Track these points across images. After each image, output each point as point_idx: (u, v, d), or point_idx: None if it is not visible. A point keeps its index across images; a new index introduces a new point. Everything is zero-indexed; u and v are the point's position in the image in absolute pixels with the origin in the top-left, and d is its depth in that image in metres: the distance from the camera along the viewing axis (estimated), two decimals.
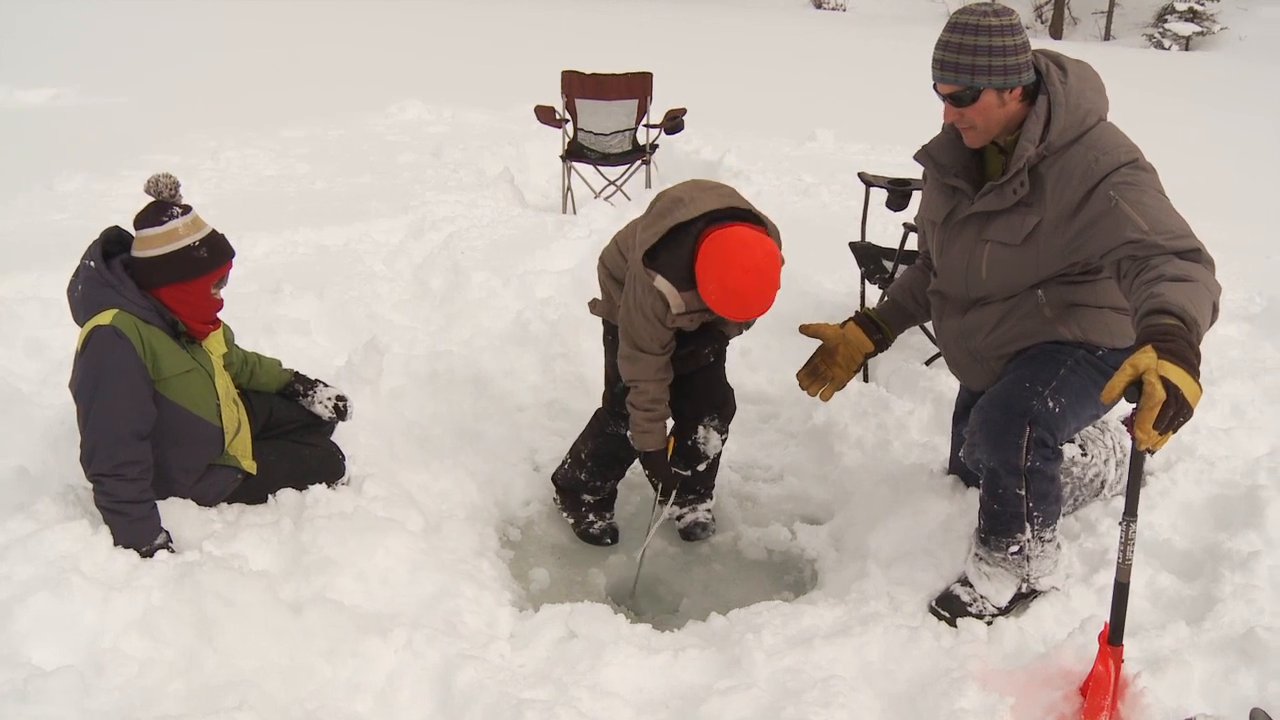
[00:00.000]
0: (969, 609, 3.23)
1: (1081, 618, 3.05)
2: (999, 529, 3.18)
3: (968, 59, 2.99)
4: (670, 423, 3.88)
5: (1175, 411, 2.38)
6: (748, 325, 3.86)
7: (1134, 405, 2.46)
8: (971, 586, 3.26)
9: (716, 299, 3.32)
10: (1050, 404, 3.06)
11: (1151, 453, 2.51)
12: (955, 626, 3.18)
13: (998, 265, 3.21)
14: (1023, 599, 3.26)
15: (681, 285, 3.43)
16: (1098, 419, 3.43)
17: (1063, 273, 3.15)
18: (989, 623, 3.18)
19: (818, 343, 3.73)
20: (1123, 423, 3.76)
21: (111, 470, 3.07)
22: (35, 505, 3.23)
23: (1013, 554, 3.19)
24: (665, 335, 3.57)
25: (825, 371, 3.71)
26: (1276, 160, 10.98)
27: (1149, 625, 3.08)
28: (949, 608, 3.25)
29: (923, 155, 3.39)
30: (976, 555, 3.26)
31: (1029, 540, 3.17)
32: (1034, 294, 3.20)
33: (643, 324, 3.53)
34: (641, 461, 3.86)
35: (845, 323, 3.72)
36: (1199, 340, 2.52)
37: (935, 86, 3.09)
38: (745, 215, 3.44)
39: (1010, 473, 3.07)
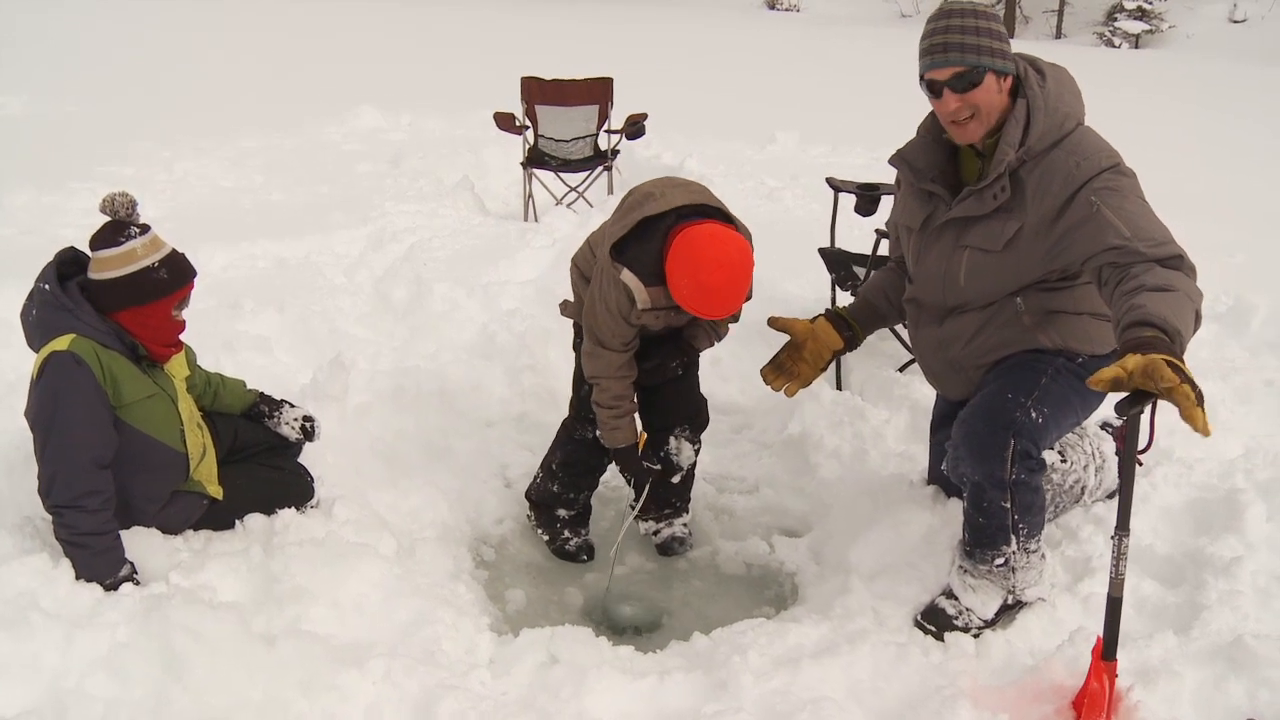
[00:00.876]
0: (955, 622, 3.19)
1: (1069, 628, 3.03)
2: (984, 542, 3.14)
3: (972, 39, 2.94)
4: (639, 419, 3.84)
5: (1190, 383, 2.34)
6: (718, 337, 3.81)
7: (1121, 418, 2.43)
8: (957, 599, 3.22)
9: (688, 294, 3.25)
10: (1033, 414, 3.02)
11: (1133, 453, 2.45)
12: (942, 641, 3.14)
13: (977, 272, 3.17)
14: (1008, 610, 3.23)
15: (648, 280, 3.37)
16: (1079, 426, 3.41)
17: (1041, 279, 3.12)
18: (975, 636, 3.15)
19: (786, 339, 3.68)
20: (1103, 429, 3.74)
21: (71, 501, 2.96)
22: None
23: (998, 566, 3.15)
24: (628, 332, 3.50)
25: (791, 368, 3.64)
26: (1235, 158, 11.09)
27: (1137, 635, 3.06)
28: (935, 621, 3.20)
29: (897, 160, 3.34)
30: (961, 568, 3.22)
31: (1014, 552, 3.14)
32: (1012, 301, 3.17)
33: (606, 319, 3.46)
34: (614, 459, 3.79)
35: (815, 318, 3.66)
36: (1182, 350, 2.49)
37: (924, 77, 3.02)
38: (716, 213, 3.39)
39: (995, 486, 3.04)
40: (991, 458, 3.02)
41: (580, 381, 3.84)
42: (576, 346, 3.82)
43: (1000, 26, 2.99)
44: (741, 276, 3.25)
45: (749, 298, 3.56)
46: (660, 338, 3.72)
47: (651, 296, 3.39)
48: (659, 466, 3.83)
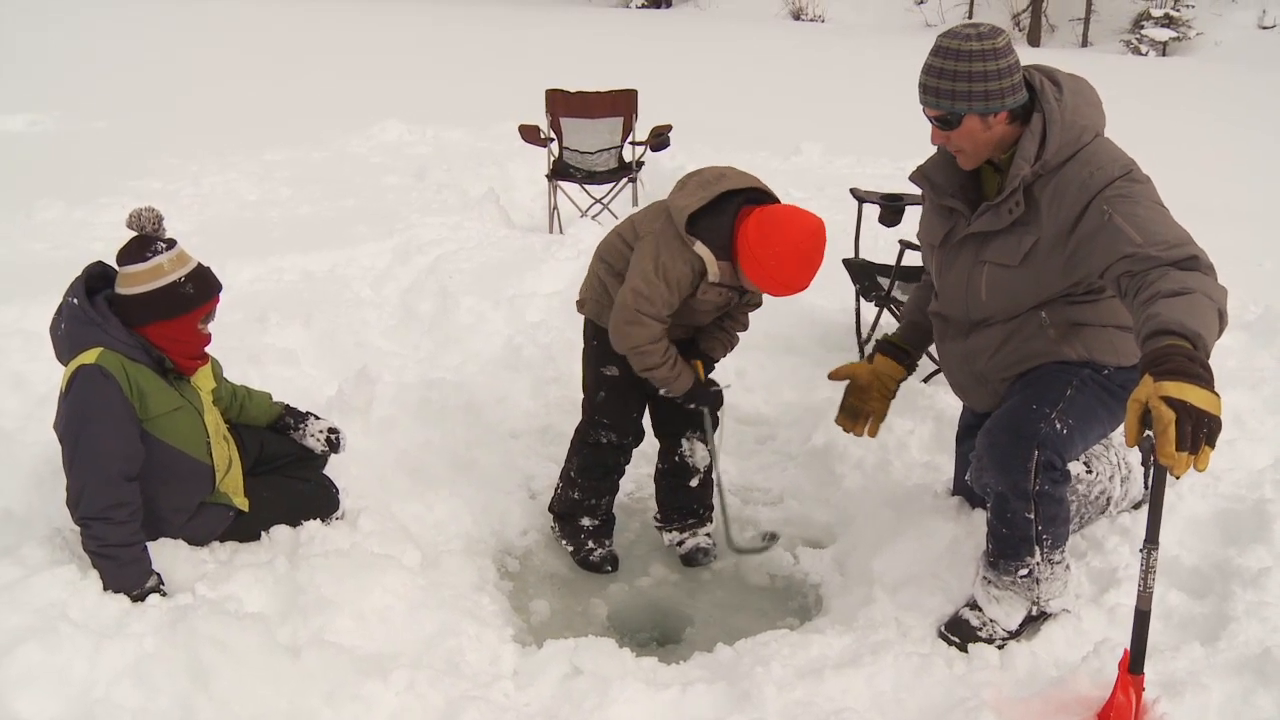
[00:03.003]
0: (979, 633, 3.17)
1: (1094, 640, 3.00)
2: (1008, 552, 3.13)
3: (948, 84, 2.97)
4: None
5: (1193, 425, 2.31)
6: (732, 345, 3.88)
7: (1150, 431, 2.40)
8: (981, 610, 3.21)
9: (779, 261, 3.37)
10: (1058, 426, 3.01)
11: (1187, 472, 2.39)
12: (966, 652, 3.12)
13: (997, 286, 3.17)
14: (1033, 621, 3.21)
15: (719, 254, 3.46)
16: (1105, 438, 3.39)
17: (1066, 292, 3.11)
18: (1000, 647, 3.13)
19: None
20: (1140, 448, 3.70)
21: (100, 513, 2.99)
22: (21, 549, 3.15)
23: (1022, 577, 3.13)
24: (675, 305, 3.54)
25: (863, 407, 3.70)
26: (1262, 165, 11.00)
27: (1163, 646, 3.03)
28: (959, 633, 3.19)
29: (918, 176, 3.36)
30: (985, 578, 3.21)
31: (1038, 563, 3.12)
32: (1037, 314, 3.16)
33: (661, 290, 3.48)
34: (685, 399, 3.75)
35: (871, 355, 3.72)
36: (1206, 352, 2.46)
37: (923, 109, 3.07)
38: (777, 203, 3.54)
39: (1019, 496, 3.02)
40: (1015, 468, 3.01)
41: (596, 387, 3.86)
42: (591, 347, 3.84)
43: (994, 63, 2.94)
44: (823, 247, 3.43)
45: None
46: (679, 350, 3.74)
47: (720, 270, 3.48)
48: (726, 385, 3.89)
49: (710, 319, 3.77)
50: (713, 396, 3.81)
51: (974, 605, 3.23)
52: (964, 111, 2.99)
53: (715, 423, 3.89)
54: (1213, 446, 2.35)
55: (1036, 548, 3.10)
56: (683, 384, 3.68)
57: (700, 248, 3.44)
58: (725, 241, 3.45)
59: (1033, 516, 3.05)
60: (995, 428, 3.09)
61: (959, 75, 2.94)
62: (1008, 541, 3.12)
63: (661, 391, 3.73)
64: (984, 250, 3.17)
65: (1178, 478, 2.37)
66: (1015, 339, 3.21)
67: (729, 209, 3.46)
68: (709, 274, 3.48)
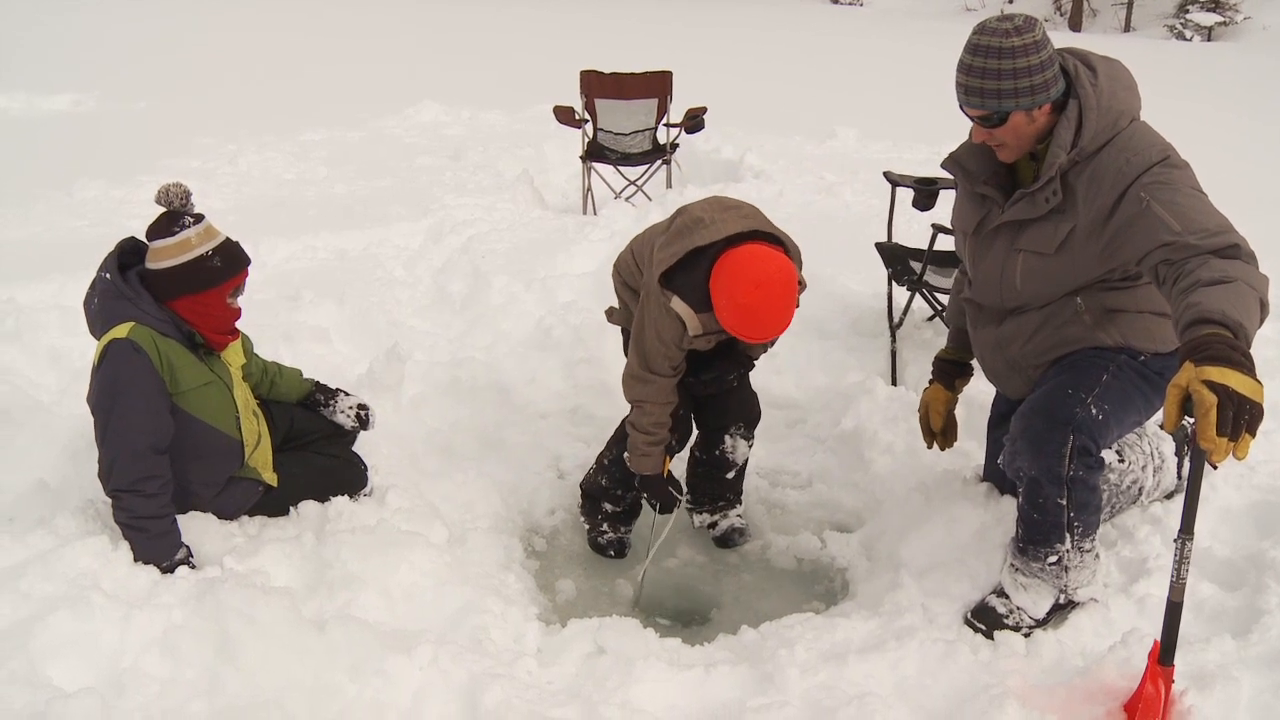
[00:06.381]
0: (1005, 621, 3.14)
1: (1121, 630, 2.97)
2: (1038, 539, 3.10)
3: (993, 83, 2.90)
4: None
5: (1235, 410, 2.26)
6: (770, 343, 3.79)
7: (1192, 419, 2.36)
8: (1008, 598, 3.18)
9: (729, 315, 3.23)
10: (1094, 411, 2.97)
11: (1226, 459, 2.33)
12: (992, 639, 3.10)
13: (1032, 275, 3.13)
14: (1060, 610, 3.18)
15: (698, 307, 3.35)
16: (1140, 425, 3.35)
17: (1102, 278, 3.07)
18: (1026, 635, 3.10)
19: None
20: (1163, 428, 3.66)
21: (130, 486, 3.03)
22: (55, 520, 3.21)
23: (1051, 565, 3.10)
24: (677, 357, 3.50)
25: (928, 429, 3.76)
26: None
27: (1193, 638, 2.98)
28: (985, 620, 3.17)
29: (951, 163, 3.31)
30: (1013, 565, 3.18)
31: (1068, 551, 3.08)
32: (1072, 301, 3.12)
33: (657, 345, 3.45)
34: (638, 484, 3.77)
35: (931, 384, 3.74)
36: (1248, 341, 2.41)
37: (962, 107, 3.02)
38: (766, 236, 3.37)
39: (1052, 482, 2.99)
40: (1050, 453, 2.97)
41: None
42: (627, 349, 3.84)
43: (1035, 56, 2.88)
44: (780, 296, 3.20)
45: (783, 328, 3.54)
46: (717, 351, 3.72)
47: (702, 322, 3.39)
48: (685, 496, 3.82)
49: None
50: (664, 493, 3.72)
51: (1001, 593, 3.21)
52: (1011, 109, 2.93)
53: (666, 517, 3.79)
54: (1254, 434, 2.30)
55: (1067, 535, 3.07)
56: (642, 465, 3.65)
57: (677, 303, 3.36)
58: (703, 293, 3.31)
59: (1065, 503, 3.01)
60: (1030, 411, 3.06)
61: (1004, 73, 2.88)
62: (1039, 528, 3.09)
63: (626, 457, 3.72)
64: (1019, 238, 3.13)
65: (1216, 465, 2.32)
66: (1050, 325, 3.17)
67: (704, 259, 3.31)
68: (688, 329, 3.39)
